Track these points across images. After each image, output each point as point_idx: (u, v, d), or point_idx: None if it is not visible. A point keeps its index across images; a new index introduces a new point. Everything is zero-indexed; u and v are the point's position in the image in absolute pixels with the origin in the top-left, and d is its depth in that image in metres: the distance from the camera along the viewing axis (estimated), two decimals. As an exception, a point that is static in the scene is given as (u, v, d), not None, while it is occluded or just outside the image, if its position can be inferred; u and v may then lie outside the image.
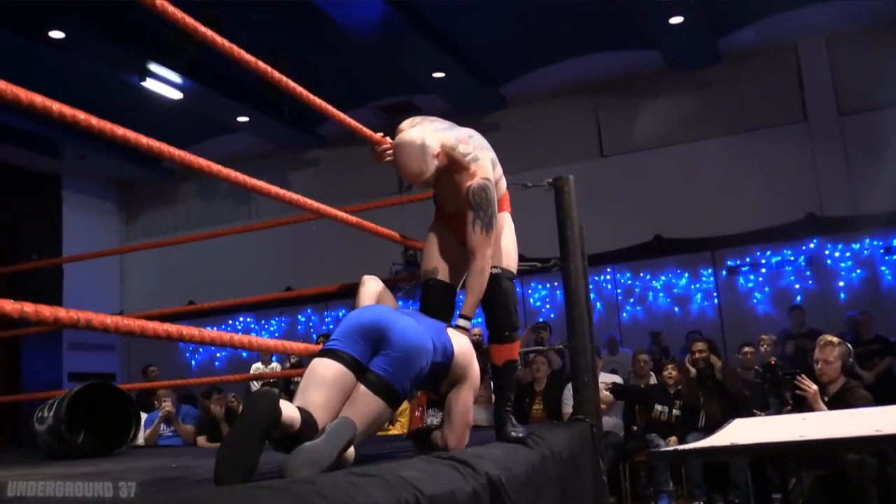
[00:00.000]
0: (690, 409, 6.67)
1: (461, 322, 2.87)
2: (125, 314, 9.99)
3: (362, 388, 2.35)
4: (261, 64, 2.55)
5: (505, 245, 3.12)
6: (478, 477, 2.16)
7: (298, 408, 2.16)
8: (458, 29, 9.32)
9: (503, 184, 3.22)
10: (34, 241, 11.50)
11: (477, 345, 2.88)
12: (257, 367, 9.25)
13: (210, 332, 2.10)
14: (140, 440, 5.97)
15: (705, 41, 9.66)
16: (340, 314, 11.87)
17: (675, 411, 6.82)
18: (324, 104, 2.97)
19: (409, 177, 2.97)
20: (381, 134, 3.34)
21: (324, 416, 2.22)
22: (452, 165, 2.97)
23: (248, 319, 12.46)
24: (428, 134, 2.93)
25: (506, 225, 3.17)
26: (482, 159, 2.98)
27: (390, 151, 3.20)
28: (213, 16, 7.54)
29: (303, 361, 8.70)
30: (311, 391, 2.28)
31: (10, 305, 1.44)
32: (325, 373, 2.33)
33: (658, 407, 6.88)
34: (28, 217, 11.74)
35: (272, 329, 12.32)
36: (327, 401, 2.27)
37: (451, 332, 2.72)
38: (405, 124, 3.12)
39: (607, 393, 6.83)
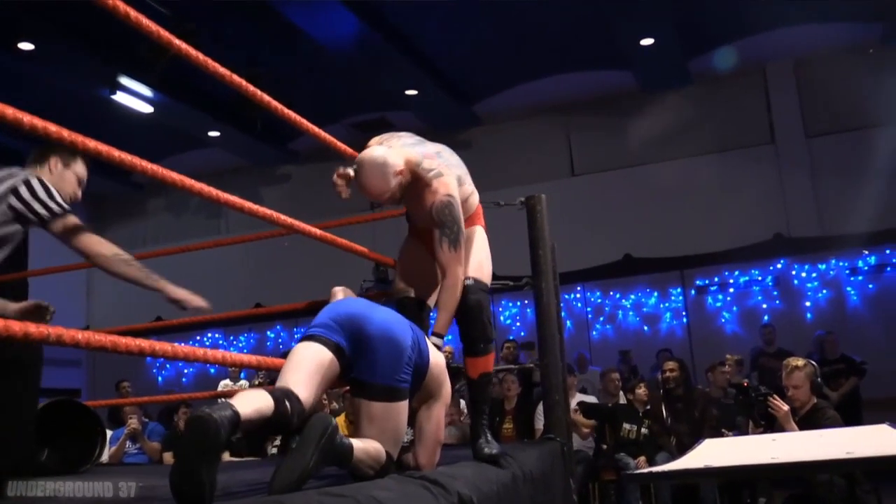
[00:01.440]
0: (658, 428, 6.69)
1: (434, 340, 2.83)
2: (91, 329, 9.83)
3: (362, 402, 2.36)
4: (235, 78, 2.54)
5: (478, 258, 3.10)
6: (449, 497, 2.15)
7: (272, 388, 2.17)
8: (433, 47, 9.36)
9: (475, 199, 3.21)
10: (-1, 253, 11.31)
11: (447, 363, 2.85)
12: (225, 383, 9.13)
13: (183, 348, 2.07)
14: (105, 457, 5.88)
15: (676, 63, 9.78)
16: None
17: (643, 430, 6.83)
18: (301, 120, 2.96)
19: (371, 196, 2.94)
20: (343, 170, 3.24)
21: (304, 393, 2.21)
22: (416, 182, 2.96)
23: (217, 335, 12.35)
24: (391, 152, 2.92)
25: (479, 238, 3.16)
26: (445, 175, 2.96)
27: (343, 186, 3.14)
28: (188, 30, 7.50)
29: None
30: (290, 373, 2.28)
31: (-24, 321, 1.41)
32: (304, 354, 2.33)
33: (626, 426, 6.88)
34: (-7, 230, 11.55)
35: (241, 345, 12.22)
36: (306, 377, 2.26)
37: (427, 341, 2.69)
38: (373, 141, 3.11)
39: (584, 419, 6.85)
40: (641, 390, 6.99)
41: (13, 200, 2.64)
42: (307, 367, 2.29)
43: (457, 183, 3.00)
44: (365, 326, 2.38)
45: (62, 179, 2.88)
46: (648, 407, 6.90)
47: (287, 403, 2.10)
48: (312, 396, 2.24)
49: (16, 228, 2.67)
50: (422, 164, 2.95)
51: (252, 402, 2.02)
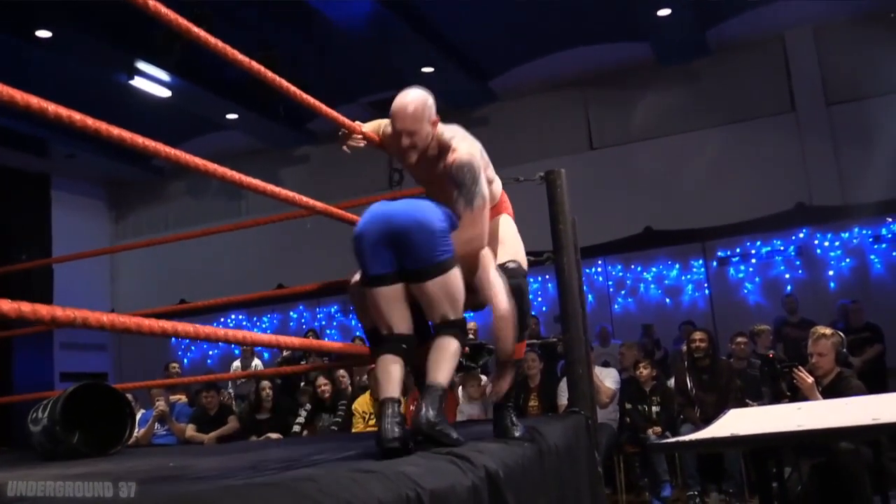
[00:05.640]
0: (682, 399, 6.69)
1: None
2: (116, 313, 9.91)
3: (417, 287, 2.55)
4: (253, 63, 2.54)
5: (514, 248, 3.01)
6: (476, 471, 2.17)
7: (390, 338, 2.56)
8: (447, 24, 9.32)
9: (497, 186, 3.09)
10: (23, 241, 11.44)
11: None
12: (235, 366, 9.17)
13: (205, 329, 2.08)
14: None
15: (693, 33, 9.68)
16: (332, 310, 11.87)
17: (654, 408, 6.85)
18: (315, 102, 2.95)
19: (404, 130, 2.79)
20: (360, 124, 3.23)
21: (408, 325, 2.59)
22: (440, 150, 2.89)
23: (241, 317, 12.45)
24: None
25: (510, 227, 3.07)
26: (468, 140, 2.91)
27: (360, 138, 3.17)
28: (202, 13, 7.51)
29: (294, 354, 8.70)
30: (385, 314, 2.58)
31: (7, 305, 1.41)
32: (388, 295, 2.56)
33: (629, 405, 6.95)
34: (17, 217, 11.68)
35: (264, 326, 12.31)
36: (402, 312, 2.57)
37: None
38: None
39: (609, 386, 6.86)
40: (647, 370, 6.98)
41: None
42: (396, 305, 2.56)
43: (479, 151, 2.92)
44: (394, 225, 2.53)
45: None
46: (654, 383, 6.92)
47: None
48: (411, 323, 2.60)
49: None
50: (444, 133, 2.92)
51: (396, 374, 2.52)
